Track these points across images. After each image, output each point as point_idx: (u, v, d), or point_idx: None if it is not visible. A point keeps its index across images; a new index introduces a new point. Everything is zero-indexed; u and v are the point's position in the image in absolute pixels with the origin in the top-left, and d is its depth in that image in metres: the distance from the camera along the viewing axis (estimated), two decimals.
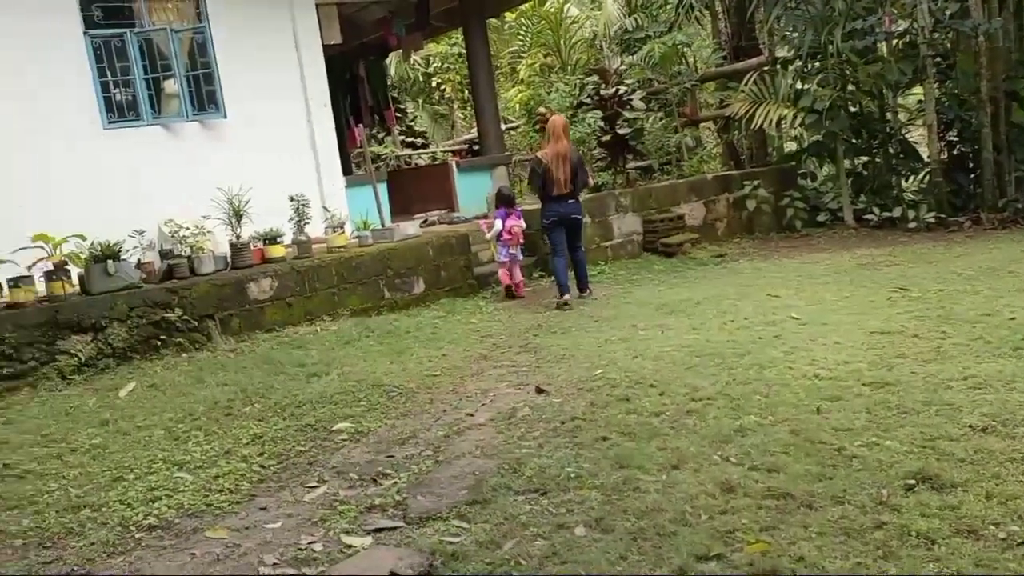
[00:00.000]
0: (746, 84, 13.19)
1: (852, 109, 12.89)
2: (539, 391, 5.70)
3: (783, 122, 12.78)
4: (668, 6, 14.88)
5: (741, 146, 15.34)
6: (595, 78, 14.38)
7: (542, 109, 16.62)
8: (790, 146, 15.34)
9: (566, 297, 8.93)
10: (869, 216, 12.20)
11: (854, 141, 12.92)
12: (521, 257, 9.88)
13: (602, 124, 13.50)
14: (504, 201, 9.84)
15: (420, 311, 9.08)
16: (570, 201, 9.07)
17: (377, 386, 6.13)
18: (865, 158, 13.18)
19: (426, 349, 7.30)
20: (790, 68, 13.33)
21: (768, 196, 12.65)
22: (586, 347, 6.86)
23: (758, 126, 12.96)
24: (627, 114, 13.56)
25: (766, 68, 13.59)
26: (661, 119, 14.53)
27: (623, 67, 15.53)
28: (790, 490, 3.72)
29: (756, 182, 12.65)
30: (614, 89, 13.87)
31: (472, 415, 5.38)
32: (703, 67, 15.20)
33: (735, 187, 12.77)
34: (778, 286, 8.71)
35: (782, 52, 13.91)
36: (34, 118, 9.12)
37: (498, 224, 9.69)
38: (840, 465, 3.96)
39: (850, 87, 12.57)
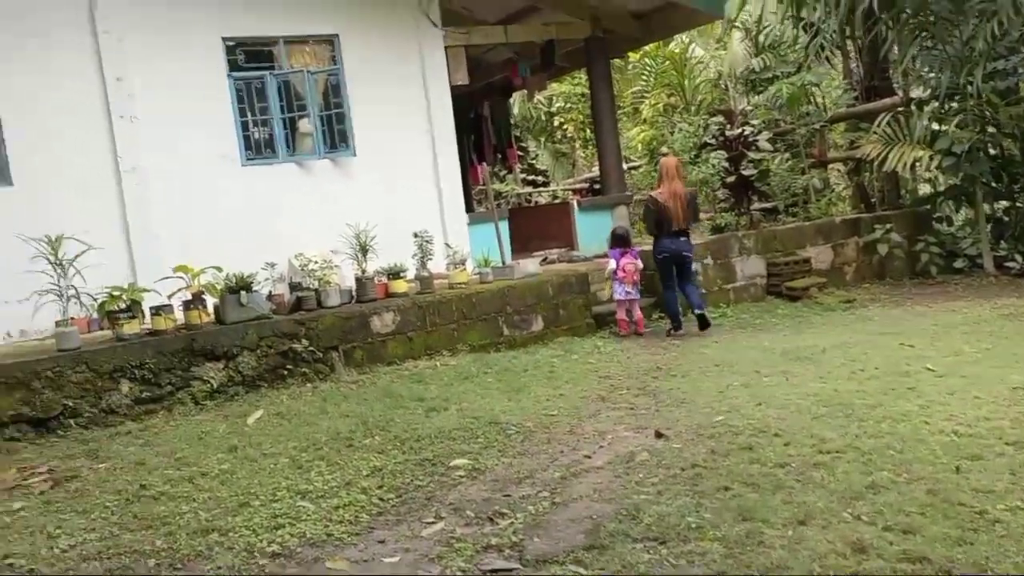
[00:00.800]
0: (879, 125, 12.77)
1: (992, 152, 12.30)
2: (658, 435, 5.60)
3: (918, 165, 12.29)
4: (797, 46, 14.60)
5: (872, 188, 14.84)
6: (720, 119, 14.20)
7: (664, 149, 16.54)
8: (924, 189, 14.74)
9: (681, 331, 9.55)
10: (1011, 263, 11.57)
11: (994, 185, 12.31)
12: (638, 296, 9.89)
13: (726, 165, 13.31)
14: (618, 241, 10.02)
15: (538, 349, 9.08)
16: (682, 239, 9.65)
17: (494, 423, 6.15)
18: (1006, 203, 12.53)
19: (544, 388, 7.28)
20: (926, 109, 12.84)
21: (901, 240, 12.16)
22: (707, 392, 6.71)
23: (891, 168, 12.51)
24: (752, 155, 13.34)
25: (900, 109, 13.14)
26: (788, 160, 14.21)
27: (749, 108, 15.30)
28: (927, 554, 3.52)
29: (888, 226, 12.19)
30: (739, 130, 13.67)
31: (590, 457, 5.32)
32: (832, 108, 14.82)
33: (865, 230, 12.34)
34: (911, 335, 8.33)
35: (917, 93, 13.43)
36: (179, 154, 9.66)
37: (612, 264, 9.86)
38: (982, 529, 3.72)
39: (991, 129, 12.01)
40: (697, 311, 9.53)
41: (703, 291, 10.74)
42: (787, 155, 14.38)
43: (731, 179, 13.39)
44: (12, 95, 8.93)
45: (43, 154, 9.03)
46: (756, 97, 15.31)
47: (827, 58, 14.93)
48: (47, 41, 9.09)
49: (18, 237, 7.82)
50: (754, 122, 14.31)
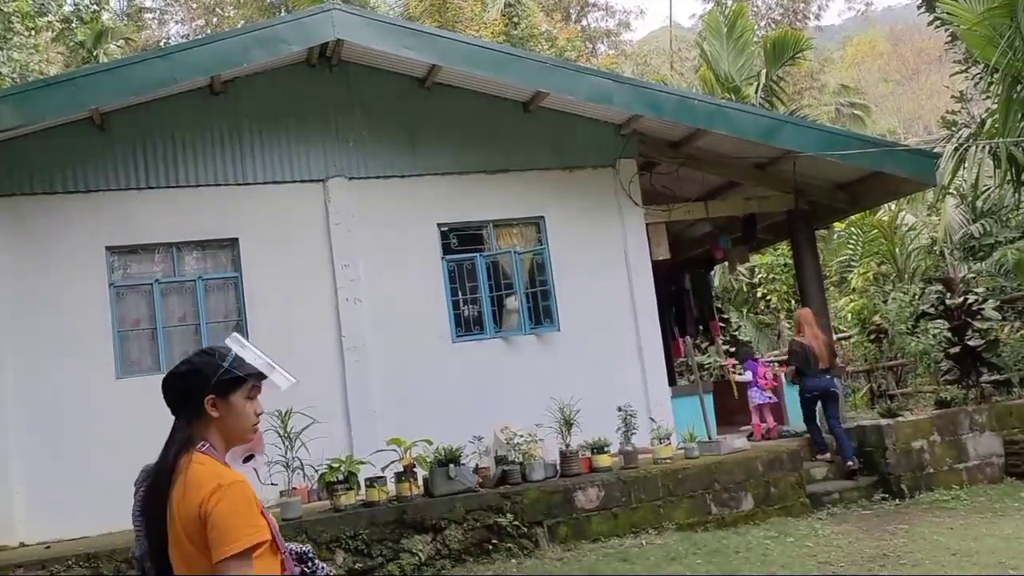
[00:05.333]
0: None
1: None
2: None
3: None
4: (1021, 210, 13.86)
5: None
6: (938, 287, 13.51)
7: (877, 319, 15.83)
8: None
9: (827, 455, 10.38)
10: None
11: None
12: (775, 399, 11.39)
13: (949, 335, 12.55)
14: (744, 354, 11.84)
15: (749, 529, 8.64)
16: (827, 376, 10.51)
17: None
18: None
19: (757, 572, 6.86)
20: None
21: None
22: None
23: None
24: (978, 324, 12.51)
25: None
26: (1019, 329, 13.21)
27: (970, 275, 14.50)
28: None
29: None
30: (961, 298, 12.92)
31: None
32: None
33: None
34: None
35: None
36: (395, 332, 10.24)
37: (749, 375, 11.23)
38: None
39: None
40: (849, 462, 10.11)
41: (930, 470, 10.12)
42: (1018, 324, 13.38)
43: (955, 350, 12.55)
44: (257, 286, 9.91)
45: (278, 336, 9.83)
46: (977, 264, 14.52)
47: None
48: (289, 236, 10.12)
49: None
50: (978, 290, 13.50)
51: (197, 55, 9.38)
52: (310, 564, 2.81)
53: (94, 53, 21.71)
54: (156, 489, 2.61)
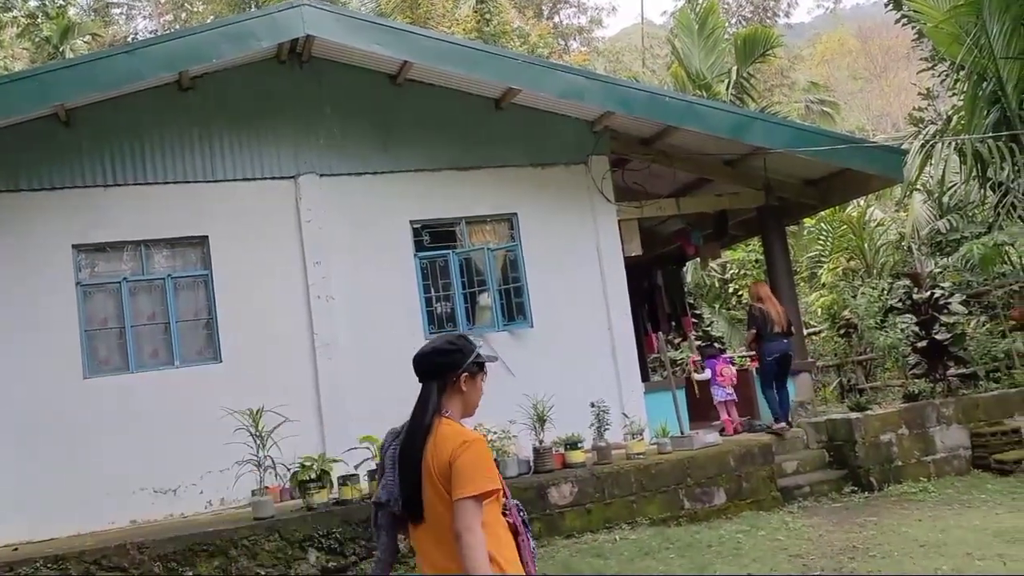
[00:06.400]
0: None
1: None
2: None
3: None
4: (985, 206, 14.05)
5: None
6: (906, 282, 13.68)
7: (847, 314, 16.00)
8: None
9: (782, 424, 10.58)
10: None
11: None
12: (735, 397, 11.44)
13: (916, 329, 12.71)
14: (706, 353, 11.90)
15: (721, 523, 8.70)
16: (785, 341, 10.78)
17: None
18: None
19: (729, 567, 6.92)
20: None
21: None
22: None
23: None
24: (945, 319, 12.68)
25: None
26: (984, 323, 13.39)
27: (937, 270, 14.70)
28: None
29: None
30: (928, 293, 13.08)
31: None
32: None
33: None
34: None
35: None
36: (366, 329, 10.19)
37: (707, 372, 11.51)
38: None
39: None
40: (780, 424, 10.57)
41: (899, 463, 10.27)
42: (984, 318, 13.57)
43: (922, 344, 12.71)
44: (227, 284, 9.82)
45: (249, 334, 9.78)
46: (944, 259, 14.70)
47: (1021, 216, 14.26)
48: (260, 233, 10.04)
49: (224, 410, 8.40)
50: (944, 284, 13.68)
51: (164, 50, 9.27)
52: (521, 513, 3.33)
53: (60, 49, 21.42)
54: (412, 444, 3.28)
